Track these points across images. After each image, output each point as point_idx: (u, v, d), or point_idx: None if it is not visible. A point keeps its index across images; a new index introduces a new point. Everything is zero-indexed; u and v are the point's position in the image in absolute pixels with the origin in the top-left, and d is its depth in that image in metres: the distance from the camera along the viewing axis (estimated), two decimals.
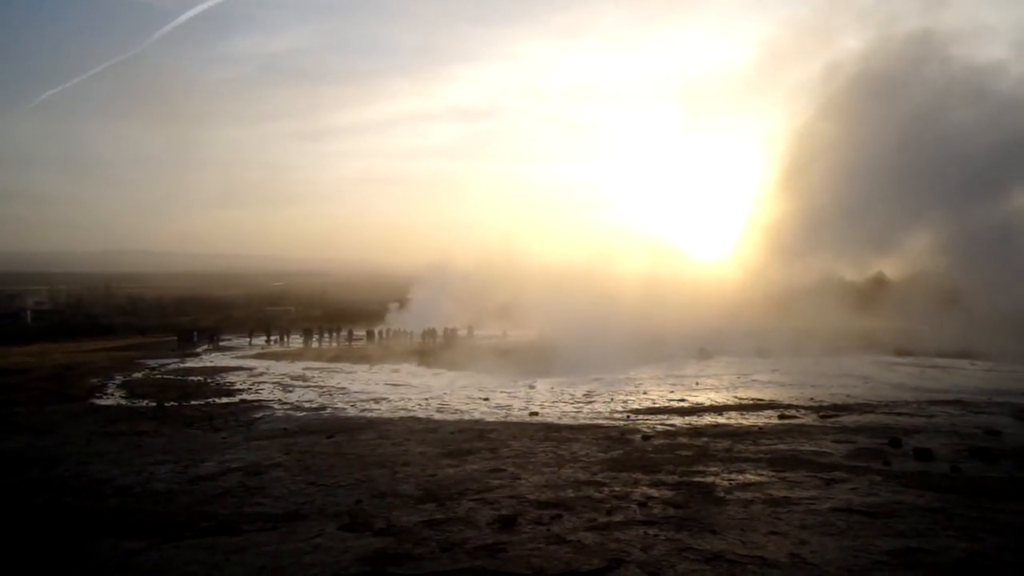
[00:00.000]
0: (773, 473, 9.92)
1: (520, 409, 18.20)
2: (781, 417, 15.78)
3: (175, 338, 43.39)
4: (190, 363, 32.15)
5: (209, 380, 25.46)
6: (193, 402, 20.42)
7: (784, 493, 8.83)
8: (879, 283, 34.89)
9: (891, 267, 33.78)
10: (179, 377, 26.55)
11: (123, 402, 20.83)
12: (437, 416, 17.22)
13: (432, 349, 35.69)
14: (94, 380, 25.31)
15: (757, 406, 17.80)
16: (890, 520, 7.69)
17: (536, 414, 17.20)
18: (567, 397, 20.27)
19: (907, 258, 32.62)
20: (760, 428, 14.22)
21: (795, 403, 18.03)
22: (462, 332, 43.95)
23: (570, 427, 14.77)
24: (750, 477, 9.71)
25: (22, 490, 10.02)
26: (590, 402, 19.21)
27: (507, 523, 7.68)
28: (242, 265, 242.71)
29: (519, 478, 9.85)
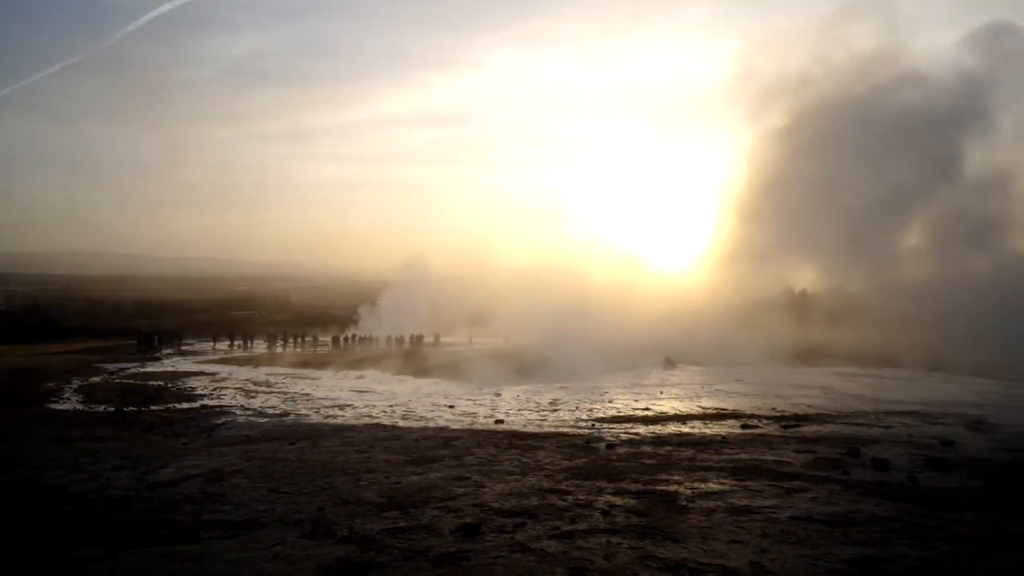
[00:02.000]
0: (735, 482, 10.02)
1: (485, 417, 18.17)
2: (744, 427, 15.94)
3: (135, 342, 42.65)
4: (151, 367, 31.63)
5: (170, 385, 25.07)
6: (153, 407, 20.09)
7: (745, 502, 8.93)
8: (840, 295, 35.45)
9: (852, 279, 34.35)
10: (139, 382, 26.10)
11: (80, 407, 20.42)
12: (402, 423, 17.13)
13: (398, 356, 35.48)
14: (50, 384, 24.78)
15: (720, 415, 17.96)
16: (848, 529, 7.81)
17: (501, 422, 17.19)
18: (532, 405, 20.28)
19: (868, 270, 33.20)
20: (723, 437, 14.36)
21: (757, 413, 18.23)
22: (428, 339, 43.80)
23: (535, 435, 14.77)
24: (712, 486, 9.80)
25: None
26: (555, 410, 19.24)
27: (471, 531, 7.66)
28: (207, 268, 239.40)
29: (483, 486, 9.83)
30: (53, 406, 20.48)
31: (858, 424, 16.30)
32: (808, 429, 15.56)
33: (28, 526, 8.33)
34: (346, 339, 43.59)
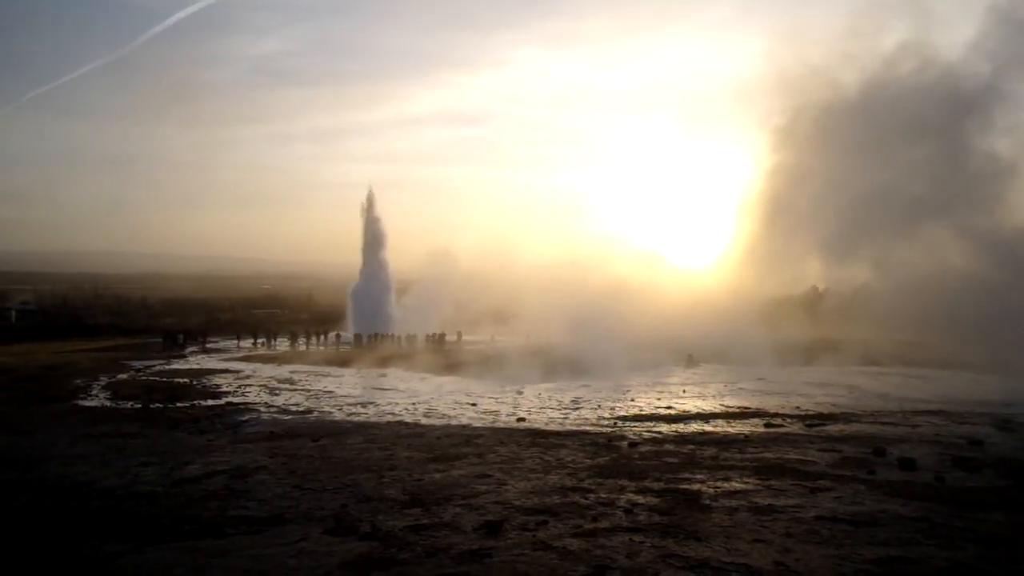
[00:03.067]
0: (758, 481, 9.96)
1: (507, 415, 18.19)
2: (767, 425, 15.83)
3: (161, 339, 43.08)
4: (176, 365, 31.96)
5: (195, 382, 25.31)
6: (179, 404, 20.30)
7: (769, 501, 8.87)
8: (862, 293, 35.04)
9: (879, 277, 33.90)
10: (165, 379, 26.38)
11: (108, 403, 20.68)
12: (424, 421, 17.18)
13: (420, 353, 35.57)
14: (78, 381, 25.12)
15: (743, 414, 17.86)
16: (874, 529, 7.73)
17: (523, 420, 17.19)
18: (554, 403, 20.27)
19: (894, 268, 32.79)
20: (746, 436, 14.27)
21: (781, 412, 18.10)
22: (451, 337, 43.85)
23: (557, 433, 14.76)
24: (736, 485, 9.74)
25: (3, 491, 9.93)
26: (577, 408, 19.22)
27: (493, 529, 7.67)
28: (230, 267, 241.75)
29: (505, 484, 9.84)
30: (81, 403, 20.76)
31: (884, 423, 16.13)
32: (833, 428, 15.43)
33: (57, 521, 8.46)
34: (369, 337, 43.72)
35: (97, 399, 21.47)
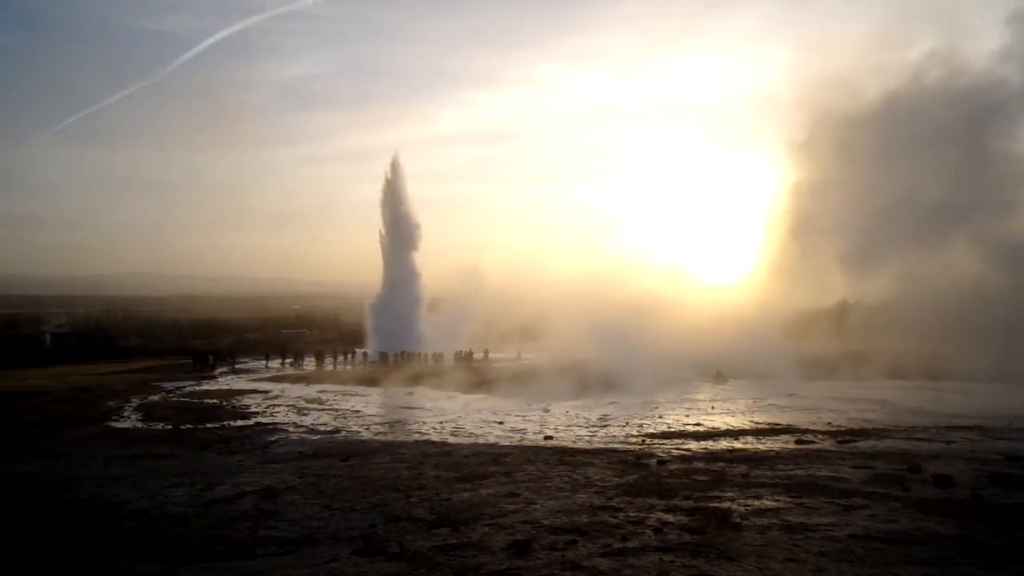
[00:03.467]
0: (790, 499, 9.82)
1: (535, 433, 18.15)
2: (798, 442, 15.64)
3: (191, 361, 43.60)
4: (206, 386, 32.31)
5: (224, 403, 25.56)
6: (208, 425, 20.51)
7: (801, 519, 8.74)
8: (892, 306, 34.56)
9: (907, 289, 33.44)
10: (195, 400, 26.67)
11: (139, 425, 20.96)
12: (451, 440, 17.19)
13: (447, 372, 35.63)
14: (111, 403, 25.49)
15: (773, 431, 17.66)
16: (910, 548, 7.58)
17: (551, 438, 17.14)
18: (582, 421, 20.19)
19: (922, 279, 32.35)
20: (777, 453, 14.10)
21: (812, 428, 17.88)
22: (478, 355, 43.91)
23: (585, 451, 14.69)
24: (767, 503, 9.62)
25: (39, 513, 10.08)
26: (605, 426, 19.13)
27: (521, 549, 7.63)
28: (260, 288, 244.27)
29: (534, 503, 9.80)
30: (114, 424, 21.06)
31: (918, 439, 15.86)
32: (865, 444, 15.20)
33: (91, 541, 8.56)
34: (396, 355, 43.91)
35: (129, 420, 21.76)
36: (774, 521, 8.67)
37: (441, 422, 20.58)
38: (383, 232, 56.17)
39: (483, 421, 20.62)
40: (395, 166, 56.73)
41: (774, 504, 9.54)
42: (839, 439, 15.91)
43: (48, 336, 70.09)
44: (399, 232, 55.85)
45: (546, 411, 22.44)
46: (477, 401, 26.12)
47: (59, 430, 19.60)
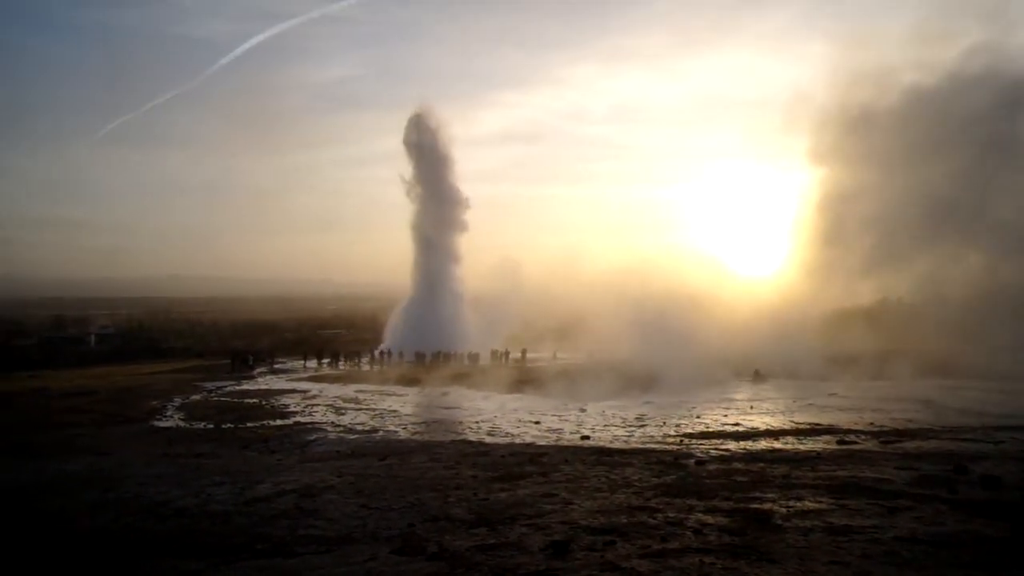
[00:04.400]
0: (833, 500, 9.64)
1: (571, 433, 18.09)
2: (840, 443, 15.38)
3: (231, 361, 44.18)
4: (246, 386, 32.75)
5: (264, 403, 25.89)
6: (249, 424, 20.79)
7: (845, 521, 8.57)
8: (940, 303, 33.81)
9: (947, 289, 32.72)
10: (235, 400, 27.05)
11: (181, 424, 21.32)
12: (488, 439, 17.22)
13: (483, 372, 35.67)
14: (154, 402, 25.96)
15: (815, 431, 17.39)
16: (958, 551, 7.40)
17: (588, 438, 17.08)
18: (618, 420, 20.08)
19: (965, 279, 31.66)
20: (818, 454, 13.88)
21: (854, 428, 17.57)
22: (515, 354, 43.89)
23: (622, 451, 14.61)
24: (809, 504, 9.46)
25: (84, 511, 10.29)
26: (642, 426, 19.00)
27: (560, 549, 7.60)
28: (295, 289, 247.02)
29: (571, 503, 9.76)
30: (157, 423, 21.45)
31: (964, 439, 15.49)
32: (910, 445, 14.89)
33: (136, 539, 8.72)
34: (432, 356, 44.05)
35: (172, 420, 22.14)
36: (816, 523, 8.53)
37: (478, 422, 20.61)
38: (413, 213, 54.03)
39: (519, 421, 20.61)
40: (418, 124, 54.08)
41: (816, 506, 9.38)
42: (882, 440, 15.61)
43: (93, 337, 71.65)
44: (438, 214, 53.81)
45: (582, 411, 22.35)
46: (513, 401, 26.11)
47: (104, 429, 20.02)
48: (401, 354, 45.00)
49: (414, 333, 49.74)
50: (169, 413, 23.55)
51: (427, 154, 54.65)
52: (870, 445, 15.01)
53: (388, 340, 50.50)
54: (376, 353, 45.78)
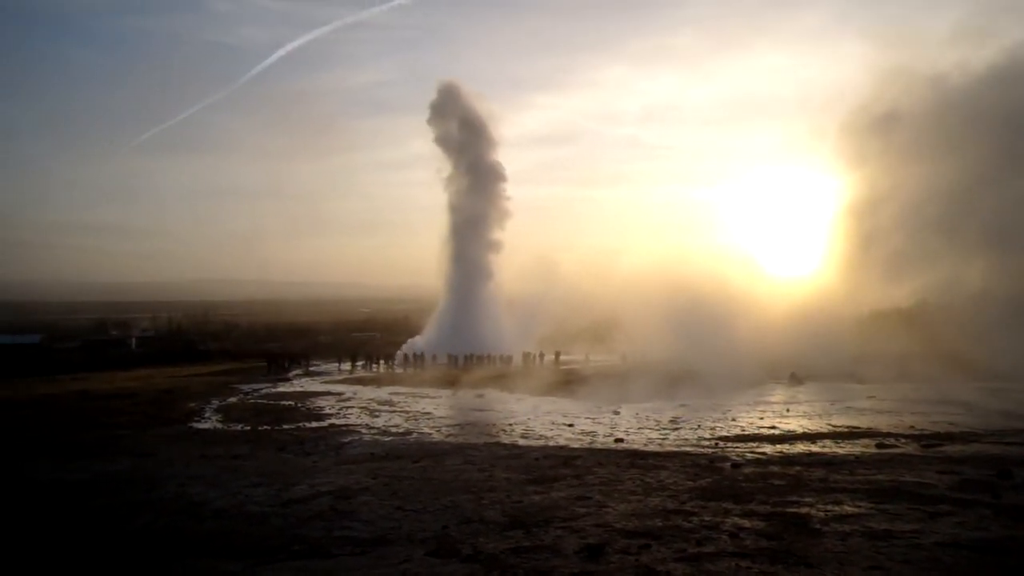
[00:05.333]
0: (872, 505, 9.48)
1: (605, 435, 18.03)
2: (879, 446, 15.14)
3: (266, 363, 44.75)
4: (281, 388, 33.14)
5: (299, 405, 26.16)
6: (285, 426, 21.03)
7: (885, 526, 8.43)
8: (978, 304, 33.11)
9: (992, 287, 32.01)
10: (271, 402, 27.38)
11: (219, 426, 21.63)
12: (522, 442, 17.22)
13: (516, 374, 35.69)
14: (192, 404, 26.38)
15: (853, 434, 17.14)
16: (1002, 557, 7.24)
17: (621, 440, 17.01)
18: (652, 423, 19.97)
19: (1006, 281, 30.95)
20: (857, 457, 13.67)
21: (894, 431, 17.28)
22: (548, 356, 43.86)
23: (656, 454, 14.52)
24: (847, 508, 9.31)
25: (125, 511, 10.47)
26: (676, 428, 18.87)
27: (594, 552, 7.57)
28: (330, 292, 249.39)
29: (606, 506, 9.72)
30: (195, 425, 21.79)
31: (1008, 443, 15.16)
32: (951, 448, 14.61)
33: (175, 539, 8.86)
34: (465, 358, 44.21)
35: (210, 422, 22.48)
36: (855, 527, 8.40)
37: (511, 424, 20.63)
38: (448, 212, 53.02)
39: (553, 423, 20.58)
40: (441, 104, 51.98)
41: (855, 510, 9.24)
42: (923, 443, 15.33)
43: (134, 340, 73.08)
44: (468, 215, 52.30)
45: (616, 413, 22.26)
46: (547, 403, 26.08)
47: (144, 431, 20.39)
48: (434, 357, 45.21)
49: (447, 335, 49.84)
50: (207, 415, 23.91)
51: (465, 124, 52.91)
52: (910, 449, 14.75)
53: (413, 342, 50.56)
54: (409, 355, 46.04)
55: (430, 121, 53.95)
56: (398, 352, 47.99)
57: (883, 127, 36.04)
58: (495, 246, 53.55)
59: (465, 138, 53.28)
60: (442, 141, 53.53)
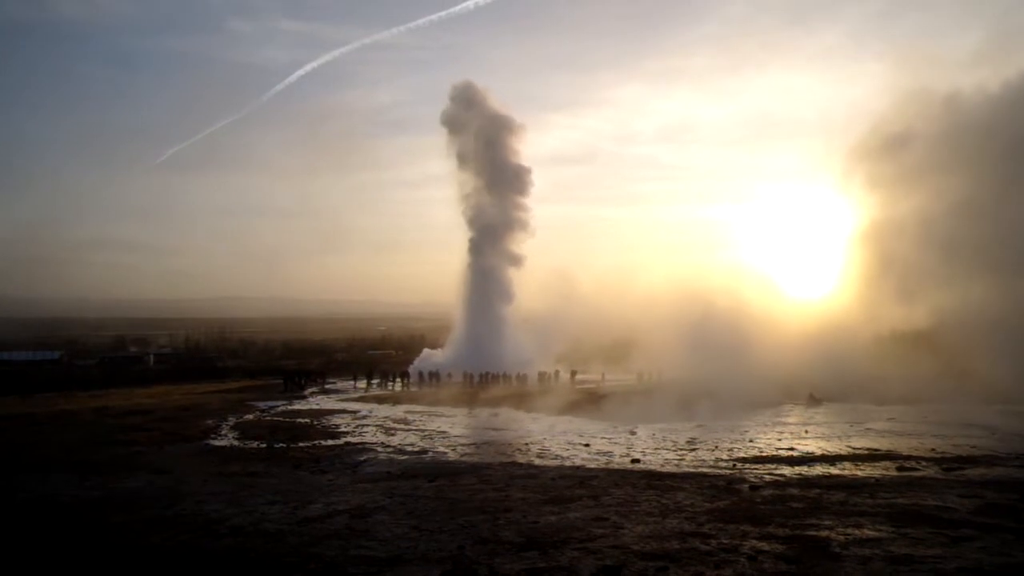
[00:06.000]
0: (893, 528, 9.37)
1: (621, 456, 17.92)
2: (900, 469, 14.95)
3: (283, 381, 44.86)
4: (297, 405, 33.19)
5: (315, 422, 26.19)
6: (300, 444, 21.04)
7: (906, 550, 8.32)
8: (998, 326, 32.72)
9: (1016, 307, 31.64)
10: (287, 419, 27.43)
11: (236, 443, 21.67)
12: (537, 462, 17.13)
13: (531, 393, 35.57)
14: (209, 421, 26.46)
15: (872, 456, 16.94)
16: None
17: (638, 461, 16.89)
18: (669, 444, 19.83)
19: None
20: (877, 480, 13.51)
21: (914, 454, 17.06)
22: (564, 375, 43.73)
23: (673, 475, 14.41)
24: (868, 532, 9.20)
25: (143, 527, 10.51)
26: (693, 449, 18.72)
27: (611, 574, 7.53)
28: (349, 310, 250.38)
29: (622, 527, 9.65)
30: (212, 442, 21.85)
31: None
32: (974, 472, 14.40)
33: (193, 556, 8.88)
34: (480, 377, 44.12)
35: (226, 439, 22.54)
36: (876, 552, 8.30)
37: (527, 444, 20.55)
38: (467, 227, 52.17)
39: (569, 443, 20.48)
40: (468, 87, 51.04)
41: (876, 534, 9.13)
42: (945, 466, 15.13)
43: (152, 357, 73.65)
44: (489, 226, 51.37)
45: (632, 433, 22.12)
46: (562, 423, 25.97)
47: (162, 447, 20.48)
48: (449, 375, 45.16)
49: (464, 353, 49.73)
50: (224, 432, 23.98)
51: (482, 122, 51.55)
52: (932, 472, 14.56)
53: (425, 358, 50.37)
54: (424, 374, 46.04)
55: (447, 120, 53.03)
56: (410, 368, 47.93)
57: (898, 148, 35.97)
58: (515, 259, 52.95)
59: (487, 134, 52.33)
60: (459, 134, 52.62)
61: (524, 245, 53.34)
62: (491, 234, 52.24)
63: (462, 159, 52.86)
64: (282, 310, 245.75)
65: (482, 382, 42.73)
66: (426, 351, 54.75)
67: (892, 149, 36.13)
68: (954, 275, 33.06)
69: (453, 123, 52.99)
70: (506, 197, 52.17)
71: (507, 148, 52.12)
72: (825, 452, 17.76)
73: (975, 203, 32.19)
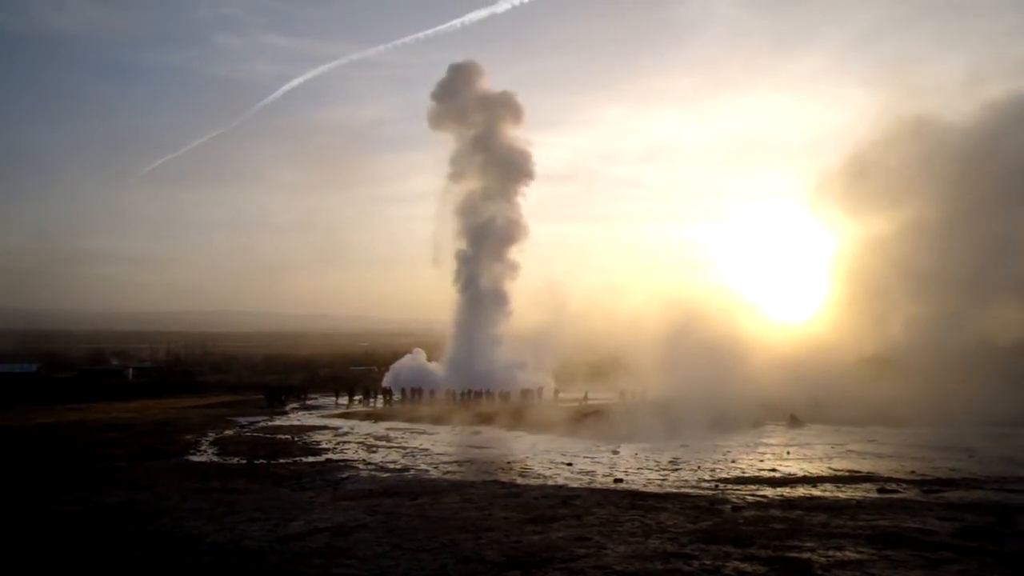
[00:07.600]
0: (874, 551, 9.42)
1: (604, 475, 17.90)
2: (880, 491, 15.04)
3: (264, 396, 44.54)
4: (278, 421, 32.96)
5: (296, 439, 26.02)
6: (281, 460, 20.89)
7: (887, 573, 8.37)
8: (985, 348, 33.04)
9: (996, 331, 32.04)
10: (268, 435, 27.22)
11: (216, 459, 21.47)
12: (520, 480, 17.10)
13: (514, 411, 35.47)
14: (188, 436, 26.22)
15: (854, 478, 17.02)
16: None
17: (621, 481, 16.89)
18: (652, 464, 19.83)
19: (1008, 328, 31.01)
20: (858, 502, 13.58)
21: (895, 476, 17.16)
22: (547, 394, 43.66)
23: (656, 495, 14.43)
24: (849, 554, 9.24)
25: (121, 544, 10.39)
26: (676, 469, 18.74)
27: None
28: (336, 325, 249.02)
29: (605, 548, 9.64)
30: (192, 458, 21.64)
31: (1011, 490, 15.07)
32: (953, 494, 14.51)
33: (172, 574, 8.77)
34: (463, 393, 43.96)
35: (206, 454, 22.33)
36: (857, 573, 8.35)
37: (509, 462, 20.49)
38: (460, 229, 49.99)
39: (551, 462, 20.44)
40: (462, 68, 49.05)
41: (857, 556, 9.17)
42: (925, 488, 15.24)
43: (131, 371, 72.87)
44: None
45: (615, 453, 22.11)
46: (545, 441, 25.91)
47: (140, 463, 20.25)
48: (432, 391, 44.96)
49: (451, 369, 49.47)
50: (203, 448, 23.76)
51: (481, 101, 49.88)
52: (912, 494, 14.65)
53: (395, 369, 49.94)
54: (407, 390, 45.82)
55: (437, 96, 51.26)
56: (386, 375, 47.58)
57: (876, 173, 36.40)
58: (512, 267, 52.28)
59: (483, 117, 50.76)
60: (453, 120, 50.95)
61: (520, 253, 52.88)
62: (485, 237, 51.58)
63: (459, 139, 51.43)
64: (275, 324, 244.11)
65: (465, 399, 42.57)
66: (407, 357, 54.33)
67: (869, 174, 36.58)
68: (932, 300, 33.40)
69: (447, 95, 51.24)
70: (506, 186, 51.06)
71: (507, 128, 51.01)
72: (807, 473, 17.83)
73: (949, 227, 32.61)
